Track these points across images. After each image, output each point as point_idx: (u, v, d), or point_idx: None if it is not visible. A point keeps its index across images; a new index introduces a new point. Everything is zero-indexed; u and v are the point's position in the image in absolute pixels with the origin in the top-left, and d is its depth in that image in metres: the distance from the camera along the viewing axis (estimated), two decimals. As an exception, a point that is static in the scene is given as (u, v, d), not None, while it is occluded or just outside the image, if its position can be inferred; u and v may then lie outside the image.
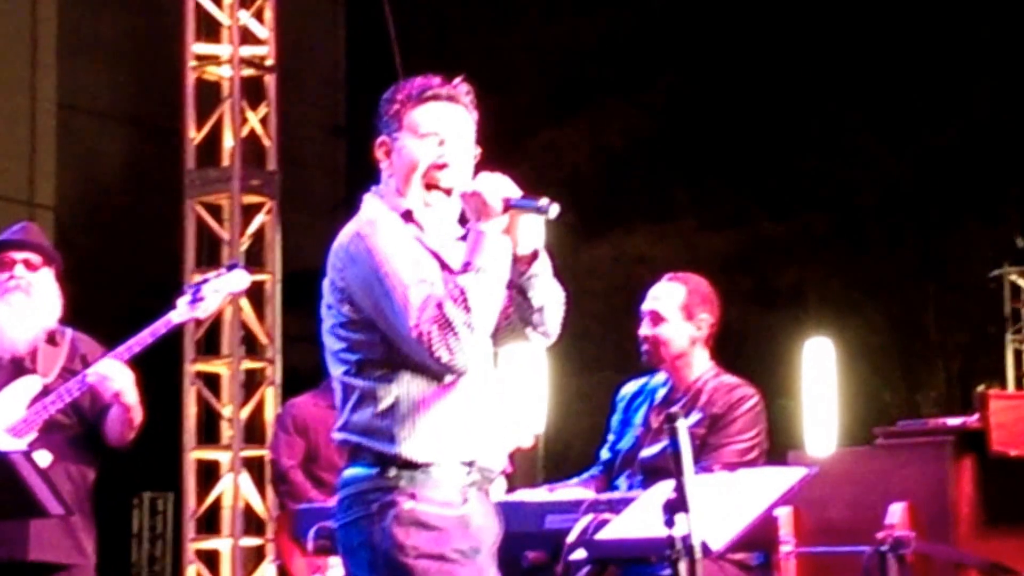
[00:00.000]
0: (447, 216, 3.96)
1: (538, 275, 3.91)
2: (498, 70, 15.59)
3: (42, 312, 5.52)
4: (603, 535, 4.62)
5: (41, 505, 5.01)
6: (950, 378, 17.41)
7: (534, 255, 3.90)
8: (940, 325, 17.30)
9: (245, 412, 11.03)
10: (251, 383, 11.16)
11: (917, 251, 17.29)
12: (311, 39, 16.56)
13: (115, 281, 14.01)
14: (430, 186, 3.94)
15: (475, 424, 3.89)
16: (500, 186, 3.84)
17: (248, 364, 11.13)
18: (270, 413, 10.92)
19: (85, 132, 15.40)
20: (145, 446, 5.73)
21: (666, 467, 3.83)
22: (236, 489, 10.87)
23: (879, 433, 5.61)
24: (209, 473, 11.10)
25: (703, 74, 16.59)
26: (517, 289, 3.91)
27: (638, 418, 5.69)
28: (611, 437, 5.78)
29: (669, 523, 3.71)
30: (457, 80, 4.00)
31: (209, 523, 11.13)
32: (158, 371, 6.12)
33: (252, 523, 11.03)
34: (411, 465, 3.81)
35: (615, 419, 5.80)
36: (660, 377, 5.73)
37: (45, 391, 5.42)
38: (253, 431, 11.08)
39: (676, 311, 5.64)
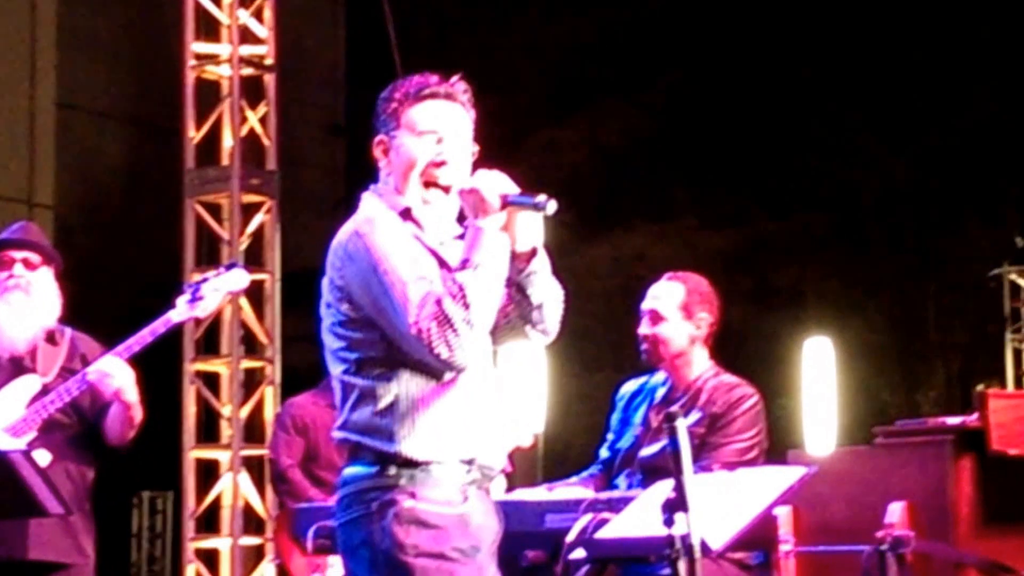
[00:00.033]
0: (446, 214, 3.96)
1: (537, 272, 3.92)
2: (497, 70, 15.59)
3: (41, 311, 5.52)
4: (602, 534, 4.62)
5: (40, 504, 5.01)
6: (950, 377, 17.41)
7: (533, 252, 3.91)
8: (940, 324, 17.30)
9: (244, 411, 11.02)
10: (250, 382, 11.16)
11: (917, 250, 17.29)
12: (311, 38, 16.56)
13: (114, 280, 14.01)
14: (429, 184, 3.94)
15: (475, 422, 3.89)
16: (498, 183, 3.85)
17: (247, 363, 11.13)
18: (270, 412, 10.91)
19: (84, 131, 15.40)
20: (144, 445, 5.73)
21: (665, 466, 3.83)
22: (235, 488, 10.87)
23: (879, 432, 5.61)
24: (208, 472, 11.09)
25: (703, 73, 16.59)
26: (516, 287, 3.91)
27: (637, 417, 5.70)
28: (610, 436, 5.79)
29: (668, 522, 3.71)
30: (454, 78, 4.01)
31: (208, 522, 11.12)
32: (157, 370, 6.12)
33: (252, 522, 11.02)
34: (411, 463, 3.81)
35: (614, 418, 5.81)
36: (660, 376, 5.73)
37: (44, 390, 5.42)
38: (253, 430, 11.08)
39: (675, 310, 5.64)
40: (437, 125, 3.94)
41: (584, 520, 4.70)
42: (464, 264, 3.79)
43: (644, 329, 5.67)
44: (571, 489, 5.52)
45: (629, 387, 5.84)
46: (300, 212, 13.07)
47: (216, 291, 5.51)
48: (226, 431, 11.02)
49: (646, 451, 5.54)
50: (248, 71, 11.24)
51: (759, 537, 5.01)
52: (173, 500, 13.74)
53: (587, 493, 5.26)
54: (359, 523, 3.83)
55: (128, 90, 15.80)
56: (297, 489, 7.73)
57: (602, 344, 15.19)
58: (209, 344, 11.16)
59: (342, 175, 17.45)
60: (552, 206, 3.81)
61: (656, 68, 16.64)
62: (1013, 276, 16.23)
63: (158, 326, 5.39)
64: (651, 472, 5.30)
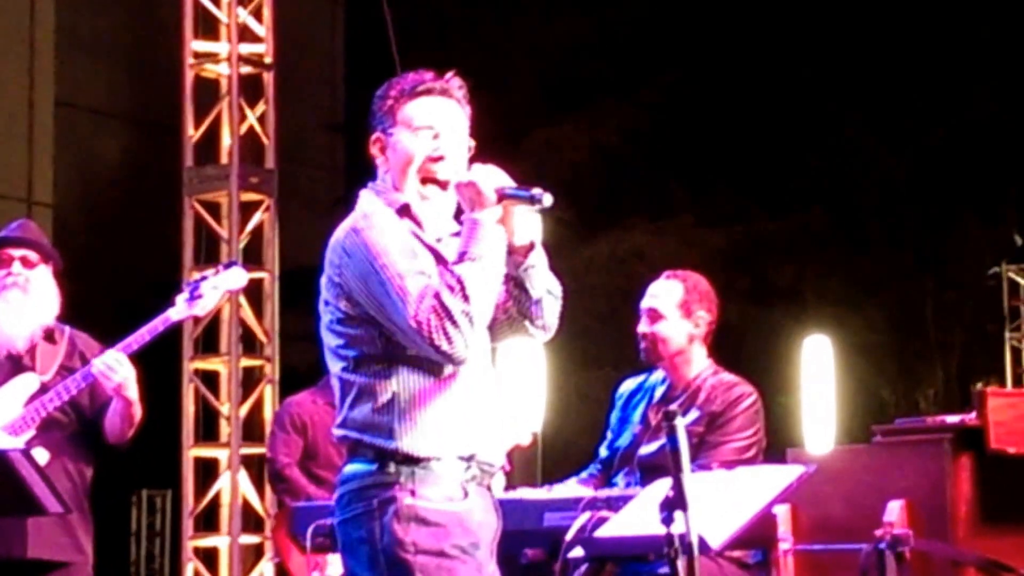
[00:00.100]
0: (443, 210, 3.97)
1: (535, 266, 3.92)
2: (497, 68, 15.61)
3: (39, 309, 5.52)
4: (601, 533, 4.62)
5: (39, 503, 5.00)
6: (948, 376, 17.42)
7: (530, 246, 3.91)
8: (939, 323, 17.31)
9: (244, 410, 11.02)
10: (249, 381, 11.16)
11: (916, 249, 17.30)
12: (310, 37, 16.57)
13: (113, 279, 14.02)
14: (426, 179, 3.95)
15: (474, 419, 3.89)
16: (494, 176, 3.85)
17: (246, 362, 11.13)
18: (269, 411, 10.91)
19: (83, 130, 15.41)
20: (143, 444, 5.73)
21: (664, 465, 3.83)
22: (235, 487, 10.87)
23: (877, 431, 5.60)
24: (207, 471, 11.09)
25: (702, 72, 16.60)
26: (515, 282, 3.92)
27: (636, 416, 5.69)
28: (609, 435, 5.78)
29: (667, 521, 3.71)
30: (449, 74, 4.01)
31: (207, 521, 11.13)
32: (156, 369, 6.12)
33: (251, 521, 11.02)
34: (410, 460, 3.81)
35: (613, 417, 5.81)
36: (658, 375, 5.73)
37: (43, 389, 5.42)
38: (252, 429, 11.08)
39: (674, 309, 5.64)
40: (433, 121, 3.95)
41: (583, 518, 4.70)
42: (462, 257, 3.79)
43: (643, 328, 5.67)
44: (570, 487, 5.52)
45: (628, 385, 5.84)
46: (299, 210, 13.08)
47: (215, 289, 5.51)
48: (225, 429, 11.02)
49: (645, 449, 5.54)
50: (247, 69, 11.24)
51: (758, 535, 5.01)
52: (172, 498, 13.74)
53: (586, 491, 5.26)
54: (359, 520, 3.83)
55: (127, 89, 15.82)
56: (295, 487, 7.72)
57: (601, 342, 15.18)
58: (208, 342, 11.16)
59: (341, 173, 17.46)
60: (548, 199, 3.82)
61: (655, 67, 16.64)
62: (1012, 274, 16.26)
63: (157, 324, 5.39)
64: (650, 470, 5.30)
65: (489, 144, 4.08)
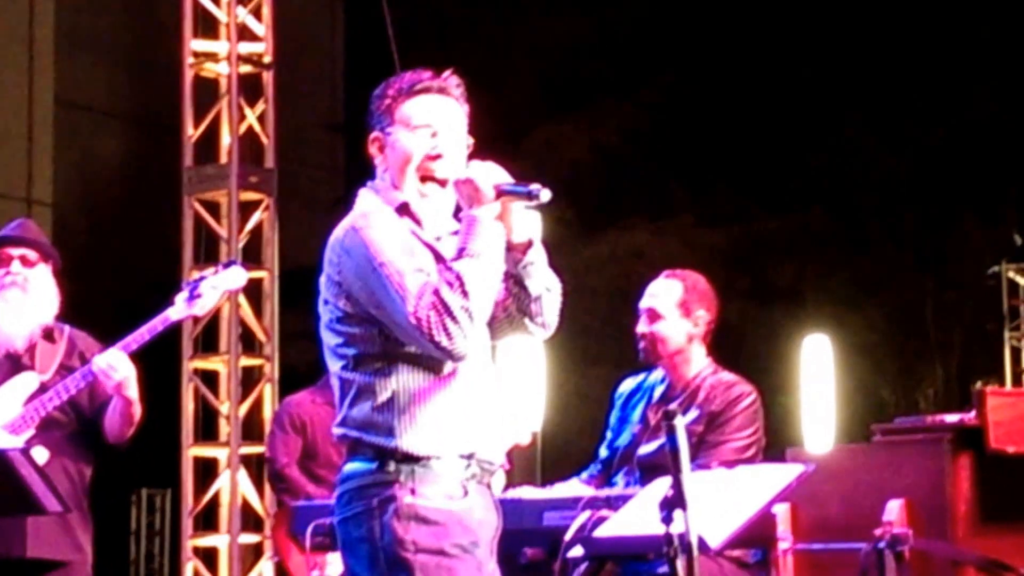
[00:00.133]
0: (443, 208, 3.97)
1: (534, 263, 3.92)
2: (496, 67, 15.61)
3: (39, 308, 5.52)
4: (601, 532, 4.62)
5: (38, 502, 5.00)
6: (948, 375, 17.42)
7: (529, 243, 3.92)
8: (938, 322, 17.30)
9: (243, 409, 11.03)
10: (249, 380, 11.16)
11: (916, 248, 17.30)
12: (309, 36, 16.56)
13: (113, 278, 14.01)
14: (425, 178, 3.96)
15: (474, 417, 3.89)
16: (491, 172, 3.86)
17: (246, 361, 11.13)
18: (268, 410, 10.92)
19: (83, 129, 15.40)
20: (143, 443, 5.73)
21: (663, 464, 3.83)
22: (234, 486, 10.87)
23: (877, 430, 5.60)
24: (207, 470, 11.09)
25: (702, 72, 16.60)
26: (514, 279, 3.92)
27: (636, 415, 5.69)
28: (609, 435, 5.78)
29: (667, 520, 3.71)
30: (447, 73, 4.02)
31: (207, 520, 11.13)
32: (156, 368, 6.11)
33: (250, 520, 11.02)
34: (410, 458, 3.81)
35: (613, 416, 5.80)
36: (658, 374, 5.73)
37: (42, 388, 5.42)
38: (251, 428, 11.08)
39: (673, 308, 5.63)
40: (431, 119, 3.95)
41: (582, 518, 4.70)
42: (460, 253, 3.80)
43: (642, 327, 5.67)
44: (570, 486, 5.52)
45: (627, 385, 5.83)
46: (299, 210, 13.07)
47: (214, 289, 5.51)
48: (224, 429, 11.03)
49: (644, 449, 5.54)
50: (246, 69, 11.24)
51: (757, 535, 5.01)
52: (171, 498, 13.74)
53: (586, 491, 5.26)
54: (359, 519, 3.84)
55: (126, 88, 15.82)
56: (295, 487, 7.72)
57: (601, 341, 15.19)
58: (207, 342, 11.16)
59: (341, 173, 17.46)
60: (546, 194, 3.83)
61: (655, 66, 16.65)
62: (1012, 274, 16.26)
63: (156, 324, 5.39)
64: (649, 470, 5.30)
65: (489, 144, 4.08)
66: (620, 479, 5.58)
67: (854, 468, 5.50)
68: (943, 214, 16.99)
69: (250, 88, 11.26)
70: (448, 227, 3.97)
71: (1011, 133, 16.07)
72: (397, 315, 3.76)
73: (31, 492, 4.96)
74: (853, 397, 14.67)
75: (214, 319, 10.87)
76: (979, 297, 16.94)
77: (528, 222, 3.92)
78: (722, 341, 5.83)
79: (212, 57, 11.23)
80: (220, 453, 11.03)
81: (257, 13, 11.29)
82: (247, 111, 11.18)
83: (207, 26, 11.24)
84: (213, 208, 11.17)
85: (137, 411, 5.40)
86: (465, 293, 3.73)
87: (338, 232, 3.91)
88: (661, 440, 3.87)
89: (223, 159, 11.17)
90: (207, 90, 11.27)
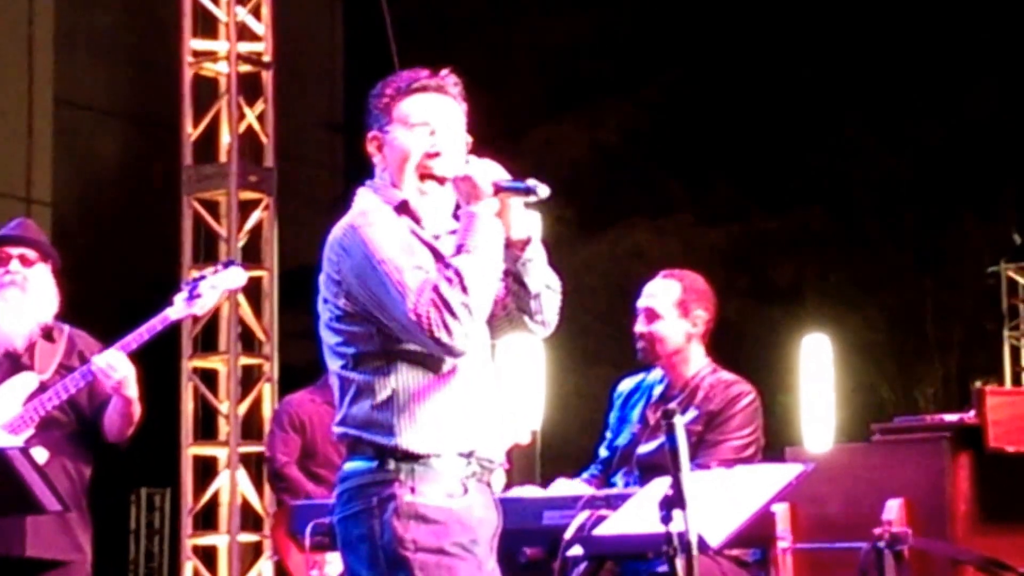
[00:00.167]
0: (442, 206, 3.97)
1: (533, 260, 3.93)
2: (496, 66, 15.61)
3: (38, 308, 5.52)
4: (600, 531, 4.62)
5: (38, 501, 5.00)
6: (947, 374, 17.43)
7: (528, 240, 3.92)
8: (937, 321, 17.31)
9: (242, 408, 11.03)
10: (248, 379, 11.16)
11: (915, 247, 17.31)
12: (309, 35, 16.56)
13: (112, 277, 14.01)
14: (424, 176, 3.96)
15: (473, 415, 3.89)
16: (489, 169, 3.86)
17: (245, 360, 11.13)
18: (267, 409, 10.91)
19: (82, 128, 15.39)
20: (142, 442, 5.73)
21: (663, 464, 3.83)
22: (233, 485, 10.87)
23: (876, 429, 5.60)
24: (206, 469, 11.09)
25: (701, 71, 16.61)
26: (513, 277, 3.92)
27: (635, 415, 5.69)
28: (608, 435, 5.78)
29: (666, 519, 3.71)
30: (445, 71, 4.02)
31: (206, 519, 11.12)
32: (155, 367, 6.11)
33: (249, 519, 11.02)
34: (410, 457, 3.81)
35: (612, 416, 5.80)
36: (657, 373, 5.73)
37: (42, 387, 5.42)
38: (250, 427, 11.08)
39: (671, 308, 5.63)
40: (429, 117, 3.96)
41: (582, 517, 4.70)
42: (459, 250, 3.80)
43: (640, 327, 5.66)
44: (569, 485, 5.52)
45: (626, 385, 5.83)
46: (298, 209, 13.06)
47: (214, 288, 5.51)
48: (224, 428, 11.03)
49: (643, 448, 5.54)
50: (246, 68, 11.24)
51: (757, 534, 5.01)
52: (171, 497, 13.74)
53: (586, 490, 5.26)
54: (359, 518, 3.84)
55: (126, 87, 15.81)
56: (294, 486, 7.72)
57: (600, 340, 15.20)
58: (207, 341, 11.16)
59: (340, 172, 17.46)
60: (544, 190, 3.84)
61: (655, 66, 16.66)
62: (1011, 273, 16.26)
63: (156, 323, 5.39)
64: (648, 469, 5.30)
65: (489, 143, 4.08)
66: (619, 479, 5.58)
67: (853, 467, 5.50)
68: (942, 214, 16.99)
69: (249, 87, 11.26)
70: (447, 226, 3.98)
71: (1010, 133, 16.08)
72: (397, 312, 3.76)
73: (31, 491, 4.96)
74: (852, 396, 14.69)
75: (214, 318, 10.87)
76: (978, 296, 16.95)
77: (527, 219, 3.92)
78: (721, 340, 5.83)
79: (212, 56, 11.23)
80: (219, 452, 11.03)
81: (256, 12, 11.28)
82: (246, 110, 11.18)
83: (207, 25, 11.24)
84: (212, 207, 11.16)
85: (136, 410, 5.40)
86: (465, 289, 3.73)
87: (337, 231, 3.91)
88: (660, 440, 3.86)
89: (222, 158, 11.17)
90: (206, 89, 11.27)
